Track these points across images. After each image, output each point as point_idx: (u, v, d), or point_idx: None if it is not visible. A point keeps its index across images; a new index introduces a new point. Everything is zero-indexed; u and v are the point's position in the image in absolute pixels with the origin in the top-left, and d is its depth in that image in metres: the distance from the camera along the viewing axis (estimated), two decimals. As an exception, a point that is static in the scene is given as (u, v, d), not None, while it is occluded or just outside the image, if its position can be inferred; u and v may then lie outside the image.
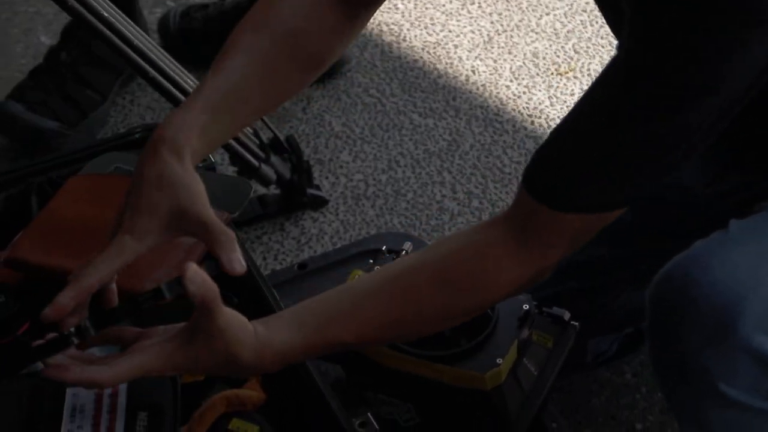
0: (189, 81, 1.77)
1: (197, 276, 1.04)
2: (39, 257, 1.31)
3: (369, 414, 1.20)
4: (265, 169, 1.84)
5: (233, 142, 1.79)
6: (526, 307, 1.36)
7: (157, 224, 1.12)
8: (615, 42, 1.10)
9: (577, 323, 1.41)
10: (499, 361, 1.31)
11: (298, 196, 1.93)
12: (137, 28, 1.76)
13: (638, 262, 1.31)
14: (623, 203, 1.07)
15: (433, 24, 2.32)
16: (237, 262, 1.10)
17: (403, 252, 1.45)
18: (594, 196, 1.06)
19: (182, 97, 1.73)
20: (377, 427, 1.20)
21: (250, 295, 1.32)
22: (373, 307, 1.13)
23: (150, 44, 1.76)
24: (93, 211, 1.35)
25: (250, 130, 1.85)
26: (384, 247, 1.49)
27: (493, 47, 2.27)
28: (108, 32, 1.71)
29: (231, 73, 1.19)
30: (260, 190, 1.91)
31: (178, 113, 1.15)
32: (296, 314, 1.13)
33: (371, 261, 1.46)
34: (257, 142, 1.86)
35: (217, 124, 1.18)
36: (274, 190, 1.92)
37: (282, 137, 1.90)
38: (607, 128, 1.03)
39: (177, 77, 1.76)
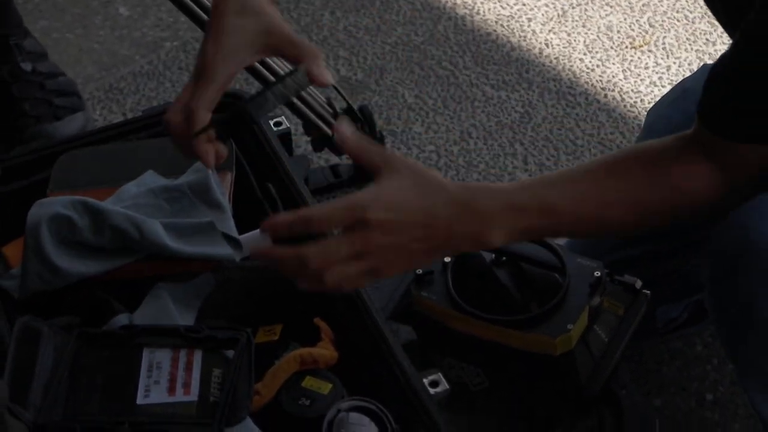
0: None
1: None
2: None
3: (439, 374, 1.21)
4: (339, 138, 1.85)
5: (307, 111, 1.79)
6: (597, 274, 1.36)
7: (243, 42, 1.14)
8: (691, 15, 1.09)
9: (648, 291, 1.40)
10: (569, 326, 1.31)
11: (370, 166, 1.94)
12: None
13: (711, 225, 1.31)
14: None
15: (506, -3, 2.32)
16: (327, 73, 1.18)
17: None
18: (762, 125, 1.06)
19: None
20: (447, 386, 1.21)
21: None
22: (590, 179, 1.14)
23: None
24: None
25: (324, 99, 1.86)
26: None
27: (567, 20, 2.26)
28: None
29: None
30: (333, 159, 1.92)
31: None
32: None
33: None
34: (331, 111, 1.87)
35: None
36: (346, 159, 1.93)
37: (356, 107, 1.91)
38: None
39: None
